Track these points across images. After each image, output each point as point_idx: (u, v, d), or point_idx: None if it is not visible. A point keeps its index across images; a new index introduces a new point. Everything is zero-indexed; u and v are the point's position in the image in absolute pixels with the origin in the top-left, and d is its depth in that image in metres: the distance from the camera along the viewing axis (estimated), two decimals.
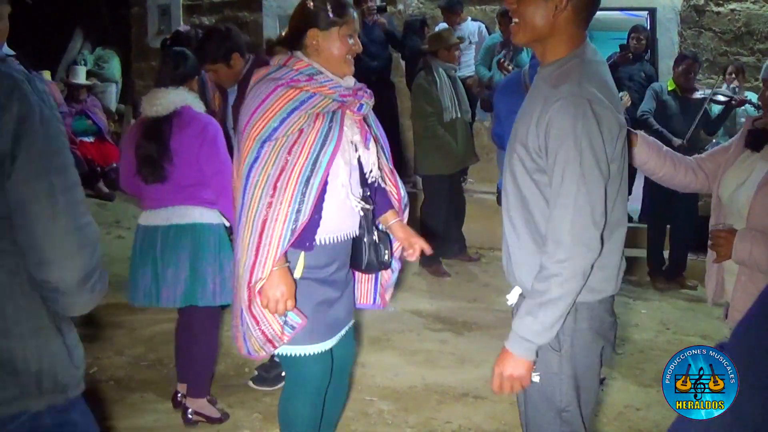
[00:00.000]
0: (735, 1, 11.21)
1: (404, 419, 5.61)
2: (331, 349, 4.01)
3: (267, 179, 3.62)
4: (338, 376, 4.28)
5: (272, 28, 12.29)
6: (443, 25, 10.83)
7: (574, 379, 3.21)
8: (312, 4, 3.84)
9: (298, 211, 3.64)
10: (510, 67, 9.52)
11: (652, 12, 11.55)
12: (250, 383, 6.06)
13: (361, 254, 4.07)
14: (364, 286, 4.34)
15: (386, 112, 10.98)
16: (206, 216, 5.17)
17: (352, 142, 3.88)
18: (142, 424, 5.44)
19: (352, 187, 3.90)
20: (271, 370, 5.98)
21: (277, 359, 4.10)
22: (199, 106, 5.19)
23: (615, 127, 2.93)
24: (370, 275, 4.31)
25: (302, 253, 3.82)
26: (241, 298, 3.75)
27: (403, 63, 11.55)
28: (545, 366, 3.17)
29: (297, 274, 3.82)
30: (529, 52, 8.30)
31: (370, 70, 10.72)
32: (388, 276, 4.34)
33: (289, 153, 3.63)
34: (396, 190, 4.24)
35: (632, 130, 3.68)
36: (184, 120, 5.05)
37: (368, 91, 3.98)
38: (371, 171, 4.02)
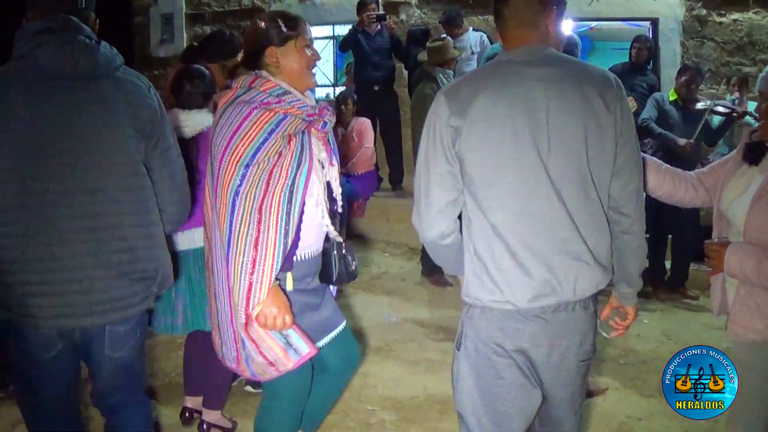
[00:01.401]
0: (737, 12, 11.23)
1: (406, 430, 5.61)
2: (311, 360, 3.99)
3: (252, 204, 3.65)
4: (336, 377, 4.35)
5: None
6: (442, 35, 10.88)
7: (472, 380, 3.28)
8: (264, 23, 3.88)
9: (286, 233, 3.69)
10: None
11: (655, 22, 11.55)
12: (249, 388, 6.10)
13: (331, 267, 4.12)
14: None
15: (389, 122, 11.04)
16: None
17: (319, 160, 3.93)
18: None
19: (324, 205, 3.96)
20: None
21: None
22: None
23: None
24: None
25: (288, 272, 3.86)
26: (238, 323, 3.76)
27: (405, 73, 11.55)
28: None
29: (288, 287, 3.86)
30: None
31: (372, 80, 10.75)
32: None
33: (269, 176, 3.67)
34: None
35: None
36: (209, 141, 5.01)
37: (330, 109, 4.02)
38: (335, 186, 4.10)
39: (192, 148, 4.96)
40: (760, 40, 11.12)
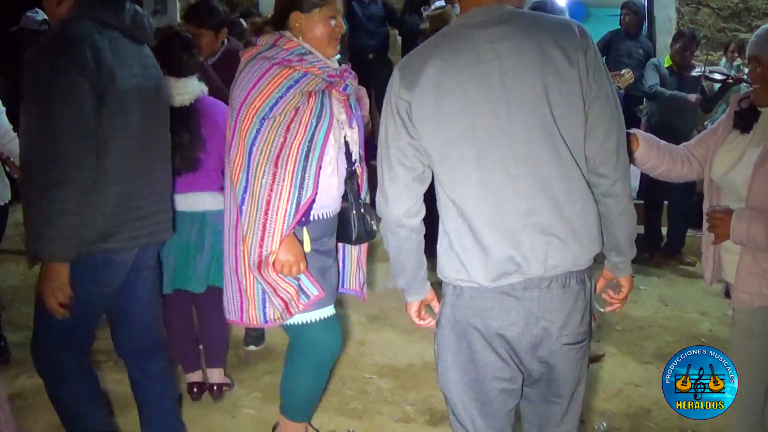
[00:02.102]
0: None
1: (403, 397, 5.62)
2: (335, 319, 4.06)
3: (268, 156, 3.70)
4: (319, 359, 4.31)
5: (268, 7, 12.16)
6: (441, 2, 10.80)
7: (450, 358, 3.16)
8: None
9: (301, 187, 3.73)
10: None
11: None
12: (252, 347, 6.25)
13: (350, 227, 4.15)
14: (352, 271, 4.42)
15: (383, 91, 10.99)
16: (222, 201, 5.16)
17: (338, 121, 3.95)
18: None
19: (339, 164, 3.98)
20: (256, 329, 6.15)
21: (285, 331, 4.10)
22: (206, 90, 5.17)
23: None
24: (359, 263, 4.43)
25: (305, 228, 3.89)
26: (250, 269, 3.82)
27: (399, 40, 11.51)
28: None
29: (306, 248, 3.91)
30: None
31: (367, 48, 10.71)
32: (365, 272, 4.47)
33: (287, 131, 3.71)
34: (361, 182, 4.31)
35: (629, 131, 3.62)
36: (209, 107, 5.06)
37: (352, 72, 4.04)
38: (354, 148, 4.11)
39: (191, 115, 4.94)
40: (755, 5, 11.08)
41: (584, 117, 2.93)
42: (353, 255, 4.48)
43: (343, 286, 4.45)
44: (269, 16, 4.16)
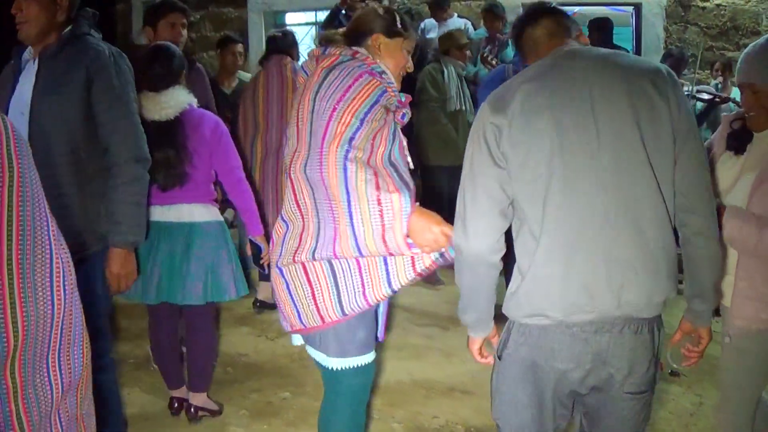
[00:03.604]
0: None
1: (391, 414, 5.60)
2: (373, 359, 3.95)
3: (363, 156, 3.54)
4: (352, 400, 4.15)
5: (257, 25, 12.27)
6: (430, 21, 10.84)
7: (508, 392, 3.13)
8: (383, 11, 3.88)
9: (401, 179, 3.67)
10: (494, 62, 9.55)
11: (638, 7, 11.57)
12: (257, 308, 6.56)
13: None
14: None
15: None
16: (214, 213, 5.22)
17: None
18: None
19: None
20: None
21: (322, 371, 3.95)
22: (195, 102, 5.16)
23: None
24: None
25: None
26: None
27: None
28: None
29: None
30: (514, 47, 8.22)
31: None
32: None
33: (373, 139, 3.59)
34: None
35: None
36: (195, 119, 5.03)
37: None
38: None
39: (176, 130, 4.92)
40: (743, 24, 11.14)
41: (673, 152, 2.88)
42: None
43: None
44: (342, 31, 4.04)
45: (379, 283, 3.67)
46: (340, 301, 3.68)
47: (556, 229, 2.84)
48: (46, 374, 1.78)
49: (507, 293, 3.02)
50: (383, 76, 3.71)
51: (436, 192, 8.81)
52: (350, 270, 3.68)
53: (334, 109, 3.56)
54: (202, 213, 5.07)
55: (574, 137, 2.82)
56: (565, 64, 2.94)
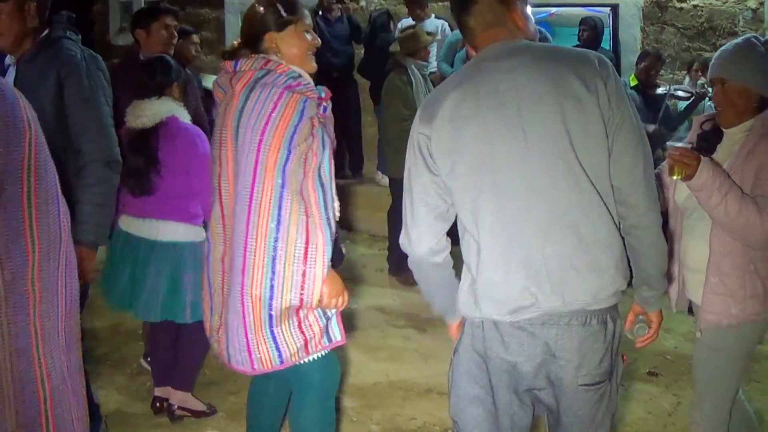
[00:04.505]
0: None
1: (369, 416, 5.61)
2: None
3: (296, 188, 3.56)
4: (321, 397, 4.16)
5: (234, 26, 12.23)
6: (407, 21, 10.80)
7: (463, 387, 3.15)
8: (261, 7, 3.78)
9: (329, 218, 3.66)
10: None
11: (615, 8, 11.57)
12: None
13: (339, 250, 3.99)
14: None
15: (349, 109, 10.99)
16: (191, 233, 5.12)
17: None
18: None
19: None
20: None
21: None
22: (184, 116, 5.14)
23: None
24: None
25: None
26: (285, 304, 3.61)
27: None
28: None
29: None
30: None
31: (332, 67, 10.67)
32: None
33: (305, 161, 3.59)
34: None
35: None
36: (171, 132, 5.00)
37: (328, 91, 3.90)
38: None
39: (149, 138, 4.93)
40: (720, 25, 11.16)
41: (606, 146, 2.88)
42: None
43: None
44: (235, 42, 3.96)
45: (268, 352, 3.72)
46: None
47: (491, 236, 2.91)
48: (55, 289, 2.16)
49: (459, 290, 3.08)
50: (300, 80, 3.68)
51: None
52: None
53: (261, 140, 3.56)
54: (167, 231, 5.05)
55: (501, 145, 2.87)
56: (491, 67, 2.93)
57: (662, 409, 5.67)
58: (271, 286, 3.59)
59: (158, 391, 5.53)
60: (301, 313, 3.67)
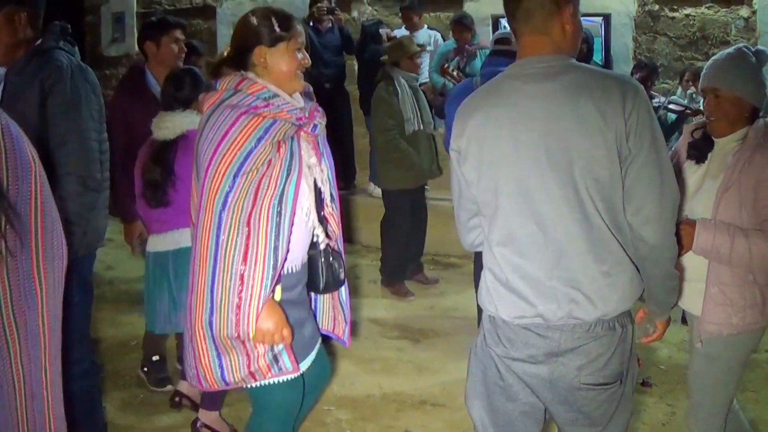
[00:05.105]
0: (690, 6, 11.26)
1: (362, 428, 5.59)
2: (302, 372, 3.86)
3: (240, 216, 3.47)
4: (310, 396, 4.14)
5: (226, 36, 12.21)
6: (400, 31, 10.80)
7: (478, 377, 3.25)
8: (255, 20, 3.69)
9: (276, 248, 3.51)
10: (455, 74, 9.52)
11: (607, 17, 11.54)
12: (155, 389, 6.14)
13: (318, 275, 3.95)
14: (325, 310, 4.23)
15: (340, 121, 10.99)
16: None
17: (309, 166, 3.77)
18: None
19: (315, 213, 3.81)
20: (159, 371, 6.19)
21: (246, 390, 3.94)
22: None
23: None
24: (340, 308, 4.24)
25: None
26: (224, 332, 3.55)
27: (356, 69, 11.52)
28: None
29: (277, 296, 3.68)
30: (482, 59, 8.15)
31: (323, 78, 10.66)
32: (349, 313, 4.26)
33: (258, 187, 3.49)
34: (335, 223, 4.11)
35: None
36: (190, 145, 4.94)
37: (320, 109, 3.85)
38: (326, 189, 3.95)
39: (168, 151, 4.97)
40: (712, 34, 11.16)
41: (621, 181, 2.91)
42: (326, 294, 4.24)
43: (321, 330, 4.22)
44: (225, 53, 3.89)
45: (212, 372, 3.68)
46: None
47: (507, 254, 3.04)
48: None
49: (479, 282, 3.24)
50: (272, 101, 3.60)
51: (398, 215, 8.78)
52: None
53: (209, 164, 3.51)
54: (189, 237, 5.04)
55: (516, 172, 2.96)
56: (521, 89, 2.97)
57: (656, 419, 5.66)
58: (211, 312, 3.54)
59: (180, 386, 5.69)
60: (248, 344, 3.60)
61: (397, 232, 8.80)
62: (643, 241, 2.96)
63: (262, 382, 3.73)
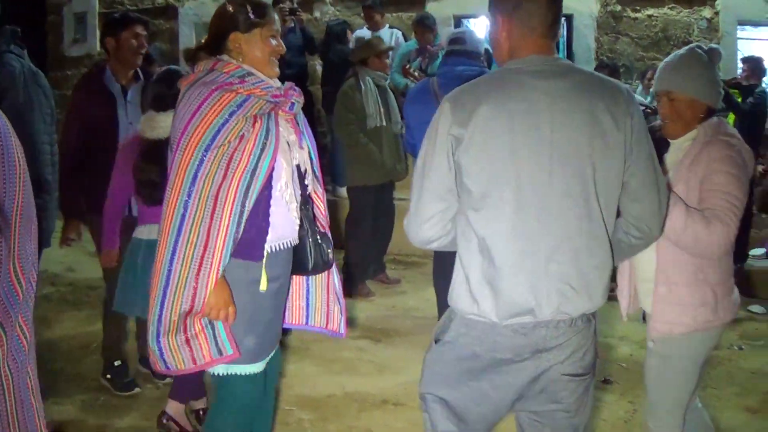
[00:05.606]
0: (652, 7, 11.35)
1: (324, 428, 5.57)
2: (264, 369, 3.91)
3: (210, 190, 3.51)
4: (269, 390, 4.17)
5: (188, 37, 12.23)
6: (362, 31, 10.81)
7: (441, 367, 3.21)
8: (231, 7, 3.76)
9: (239, 223, 3.55)
10: (416, 74, 9.52)
11: (569, 18, 11.61)
12: (120, 393, 6.06)
13: (307, 256, 3.97)
14: (317, 306, 4.27)
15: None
16: None
17: (288, 143, 3.80)
18: None
19: (293, 189, 3.82)
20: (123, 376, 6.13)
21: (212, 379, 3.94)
22: None
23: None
24: (330, 296, 4.27)
25: (263, 264, 3.73)
26: (176, 307, 3.59)
27: (319, 70, 11.50)
28: None
29: (262, 286, 3.72)
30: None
31: (285, 78, 10.64)
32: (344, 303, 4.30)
33: (229, 161, 3.53)
34: (322, 204, 4.13)
35: None
36: None
37: (297, 89, 3.89)
38: (306, 170, 3.95)
39: (161, 150, 4.93)
40: (675, 34, 11.25)
41: (620, 181, 3.02)
42: (318, 288, 4.29)
43: (307, 323, 4.28)
44: (202, 40, 3.98)
45: (152, 353, 3.72)
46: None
47: (505, 248, 2.96)
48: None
49: (453, 283, 3.12)
50: (246, 79, 3.66)
51: (362, 214, 8.76)
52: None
53: (180, 138, 3.56)
54: None
55: (529, 163, 2.92)
56: (530, 84, 2.95)
57: (618, 416, 5.68)
58: (166, 286, 3.59)
59: (197, 403, 5.57)
60: (189, 331, 3.63)
61: (360, 232, 8.79)
62: (647, 232, 3.15)
63: (218, 371, 3.79)
